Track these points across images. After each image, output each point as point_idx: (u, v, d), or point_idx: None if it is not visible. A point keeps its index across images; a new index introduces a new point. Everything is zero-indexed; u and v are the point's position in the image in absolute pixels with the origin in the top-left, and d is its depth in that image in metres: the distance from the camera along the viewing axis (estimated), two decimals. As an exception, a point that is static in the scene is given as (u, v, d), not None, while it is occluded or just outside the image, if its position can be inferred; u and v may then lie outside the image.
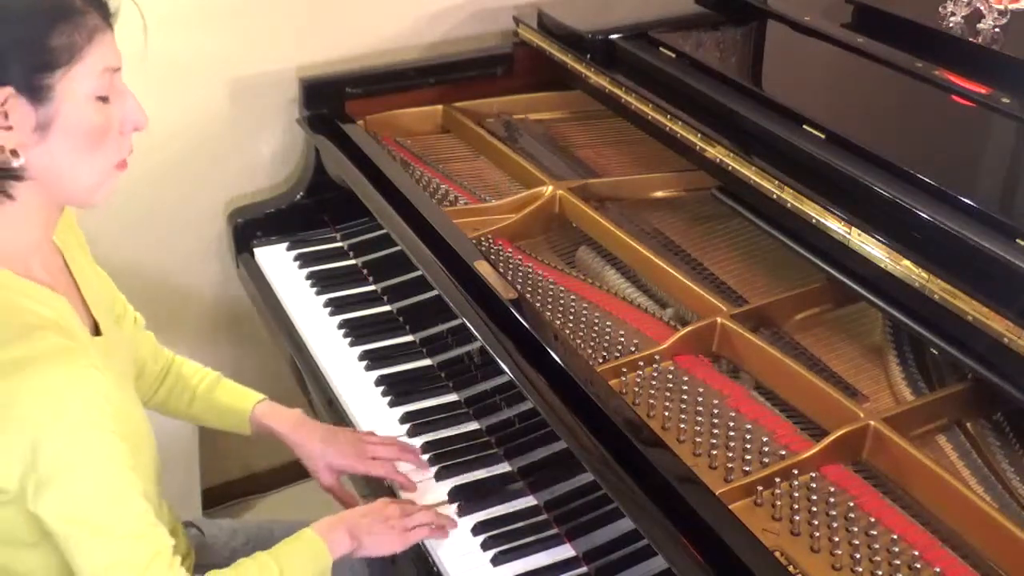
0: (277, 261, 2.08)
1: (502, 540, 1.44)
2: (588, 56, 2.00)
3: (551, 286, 1.71)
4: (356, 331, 1.86)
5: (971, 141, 1.64)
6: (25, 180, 1.14)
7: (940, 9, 1.80)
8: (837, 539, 1.27)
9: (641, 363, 1.51)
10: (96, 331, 1.29)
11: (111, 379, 1.19)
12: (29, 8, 1.10)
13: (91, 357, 1.17)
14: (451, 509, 1.50)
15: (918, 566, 1.23)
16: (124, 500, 1.18)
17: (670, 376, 1.51)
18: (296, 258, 2.07)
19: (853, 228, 1.44)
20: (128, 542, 1.18)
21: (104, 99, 1.16)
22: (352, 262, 2.05)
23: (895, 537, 1.26)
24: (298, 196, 2.15)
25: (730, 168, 1.64)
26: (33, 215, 1.19)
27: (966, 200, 1.38)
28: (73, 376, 1.13)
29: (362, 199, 1.88)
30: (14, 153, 1.11)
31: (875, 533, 1.27)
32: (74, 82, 1.12)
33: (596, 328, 1.61)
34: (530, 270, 1.75)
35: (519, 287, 1.64)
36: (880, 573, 1.23)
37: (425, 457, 1.59)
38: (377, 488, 1.57)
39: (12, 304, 1.15)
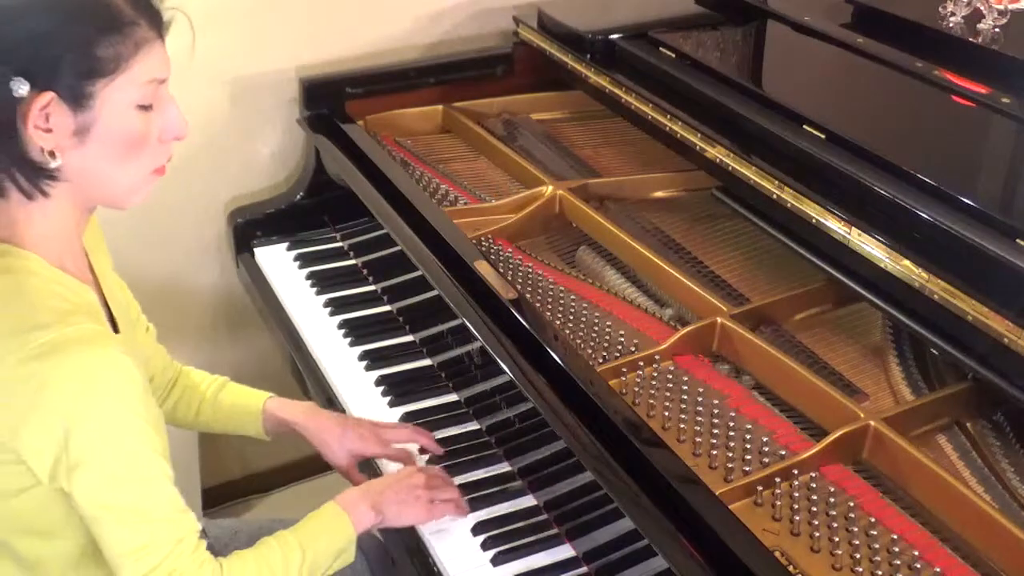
0: (277, 261, 2.08)
1: (502, 540, 1.44)
2: (588, 56, 2.00)
3: (551, 286, 1.71)
4: (356, 331, 1.86)
5: (971, 141, 1.64)
6: (61, 181, 1.16)
7: (940, 9, 1.80)
8: (837, 539, 1.27)
9: (641, 363, 1.51)
10: (115, 330, 1.30)
11: (139, 368, 1.20)
12: (79, 17, 1.11)
13: (121, 344, 1.19)
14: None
15: (918, 566, 1.23)
16: (153, 485, 1.20)
17: (670, 376, 1.51)
18: (296, 258, 2.07)
19: (853, 228, 1.44)
20: (155, 526, 1.20)
21: (147, 107, 1.17)
22: (352, 262, 2.05)
23: (895, 537, 1.26)
24: (298, 196, 2.16)
25: (730, 168, 1.64)
26: (67, 213, 1.21)
27: (966, 200, 1.38)
28: (107, 359, 1.15)
29: (362, 199, 1.88)
30: (52, 155, 1.14)
31: (875, 533, 1.27)
32: (116, 91, 1.14)
33: (596, 328, 1.61)
34: (530, 270, 1.75)
35: (519, 287, 1.64)
36: (880, 573, 1.23)
37: (425, 457, 1.59)
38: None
39: (44, 290, 1.18)
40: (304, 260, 2.06)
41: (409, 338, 1.84)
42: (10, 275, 1.17)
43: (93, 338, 1.16)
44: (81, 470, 1.14)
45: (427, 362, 1.78)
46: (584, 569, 1.39)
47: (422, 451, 1.59)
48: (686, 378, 1.50)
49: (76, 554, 1.26)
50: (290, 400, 1.60)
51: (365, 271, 2.02)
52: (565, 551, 1.42)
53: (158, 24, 1.18)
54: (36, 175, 1.15)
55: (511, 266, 1.75)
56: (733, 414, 1.45)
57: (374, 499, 1.40)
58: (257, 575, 1.28)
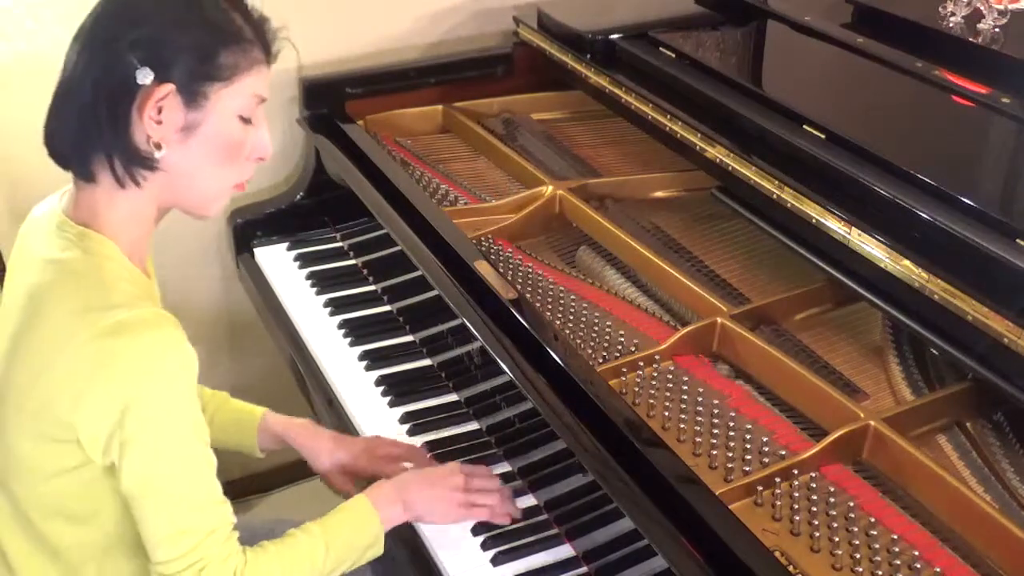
0: (277, 261, 2.08)
1: (502, 540, 1.44)
2: (588, 56, 2.00)
3: (551, 286, 1.71)
4: (356, 331, 1.86)
5: (971, 141, 1.64)
6: (156, 173, 1.22)
7: (940, 9, 1.80)
8: (837, 539, 1.27)
9: (641, 363, 1.51)
10: None
11: None
12: (209, 25, 1.21)
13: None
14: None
15: (918, 566, 1.23)
16: (198, 471, 1.23)
17: (670, 376, 1.51)
18: (296, 258, 2.07)
19: (853, 228, 1.44)
20: (193, 513, 1.23)
21: (247, 121, 1.25)
22: (352, 262, 2.05)
23: (895, 537, 1.26)
24: (298, 196, 2.16)
25: (730, 168, 1.64)
26: (147, 209, 1.27)
27: (966, 200, 1.38)
28: (175, 343, 1.20)
29: (362, 199, 1.88)
30: (157, 146, 1.20)
31: (875, 533, 1.27)
32: (227, 98, 1.21)
33: (596, 328, 1.61)
34: (530, 270, 1.75)
35: (519, 287, 1.64)
36: (880, 573, 1.23)
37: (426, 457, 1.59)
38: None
39: (119, 275, 1.23)
40: (304, 260, 2.06)
41: (409, 338, 1.84)
42: (90, 256, 1.23)
43: (163, 322, 1.21)
44: (133, 446, 1.17)
45: (427, 362, 1.78)
46: (584, 569, 1.39)
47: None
48: (686, 378, 1.50)
49: (103, 544, 1.29)
50: (287, 417, 1.62)
51: (365, 271, 2.02)
52: (565, 551, 1.42)
53: (268, 51, 1.27)
54: (135, 163, 1.21)
55: (511, 266, 1.75)
56: (733, 414, 1.45)
57: (405, 495, 1.41)
58: (279, 568, 1.30)
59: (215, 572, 1.24)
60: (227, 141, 1.24)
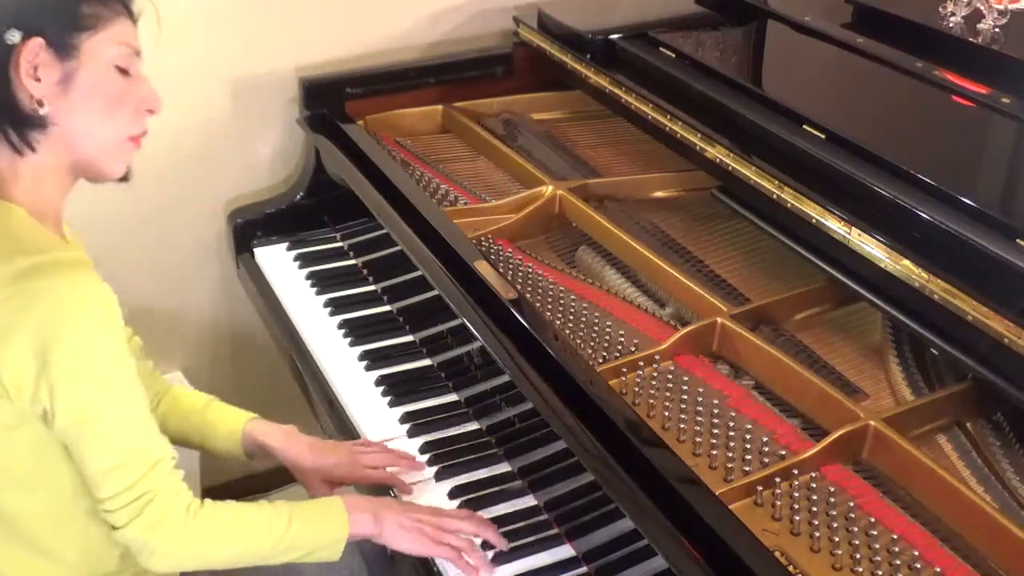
0: (277, 261, 2.08)
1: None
2: (588, 56, 2.00)
3: (551, 286, 1.71)
4: (356, 331, 1.86)
5: (971, 141, 1.64)
6: (47, 132, 1.24)
7: (940, 9, 1.80)
8: (837, 539, 1.27)
9: (641, 363, 1.51)
10: None
11: None
12: None
13: None
14: (452, 505, 1.50)
15: (918, 566, 1.23)
16: (132, 405, 1.24)
17: (670, 376, 1.51)
18: (296, 258, 2.07)
19: (853, 228, 1.44)
20: (132, 446, 1.24)
21: (124, 72, 1.27)
22: (352, 262, 2.05)
23: (895, 537, 1.26)
24: (298, 196, 2.16)
25: (730, 168, 1.64)
26: (55, 173, 1.28)
27: (966, 200, 1.38)
28: (93, 283, 1.21)
29: (362, 199, 1.88)
30: (40, 103, 1.22)
31: (875, 533, 1.27)
32: (98, 46, 1.24)
33: (596, 328, 1.61)
34: (530, 270, 1.75)
35: (519, 287, 1.64)
36: (880, 573, 1.23)
37: (425, 457, 1.58)
38: (374, 493, 1.57)
39: (29, 229, 1.25)
40: (304, 260, 2.06)
41: (409, 338, 1.84)
42: (0, 217, 1.24)
43: (81, 263, 1.23)
44: (62, 387, 1.18)
45: (427, 362, 1.78)
46: (584, 569, 1.39)
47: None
48: (686, 378, 1.50)
49: (57, 509, 1.28)
50: (270, 423, 1.58)
51: (365, 271, 2.02)
52: (565, 551, 1.42)
53: (129, 8, 1.29)
54: (25, 125, 1.23)
55: (511, 266, 1.75)
56: (733, 414, 1.45)
57: (379, 511, 1.40)
58: (232, 526, 1.31)
59: (164, 505, 1.25)
60: (108, 91, 1.26)
